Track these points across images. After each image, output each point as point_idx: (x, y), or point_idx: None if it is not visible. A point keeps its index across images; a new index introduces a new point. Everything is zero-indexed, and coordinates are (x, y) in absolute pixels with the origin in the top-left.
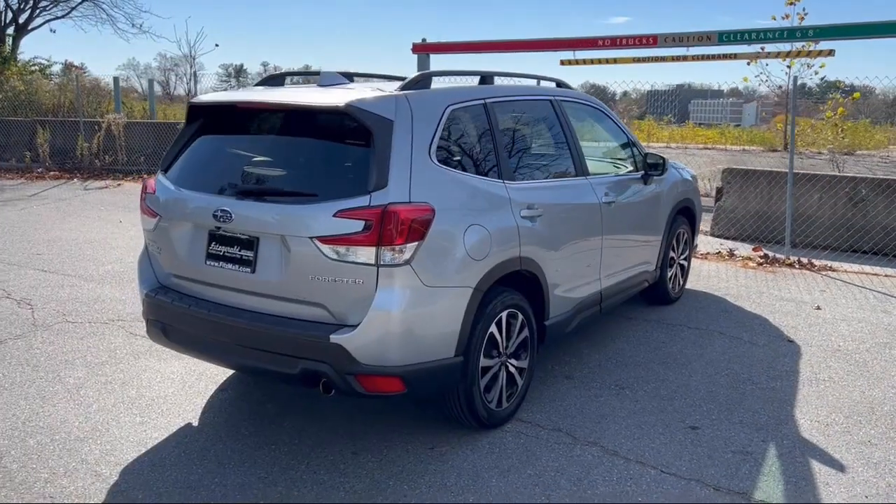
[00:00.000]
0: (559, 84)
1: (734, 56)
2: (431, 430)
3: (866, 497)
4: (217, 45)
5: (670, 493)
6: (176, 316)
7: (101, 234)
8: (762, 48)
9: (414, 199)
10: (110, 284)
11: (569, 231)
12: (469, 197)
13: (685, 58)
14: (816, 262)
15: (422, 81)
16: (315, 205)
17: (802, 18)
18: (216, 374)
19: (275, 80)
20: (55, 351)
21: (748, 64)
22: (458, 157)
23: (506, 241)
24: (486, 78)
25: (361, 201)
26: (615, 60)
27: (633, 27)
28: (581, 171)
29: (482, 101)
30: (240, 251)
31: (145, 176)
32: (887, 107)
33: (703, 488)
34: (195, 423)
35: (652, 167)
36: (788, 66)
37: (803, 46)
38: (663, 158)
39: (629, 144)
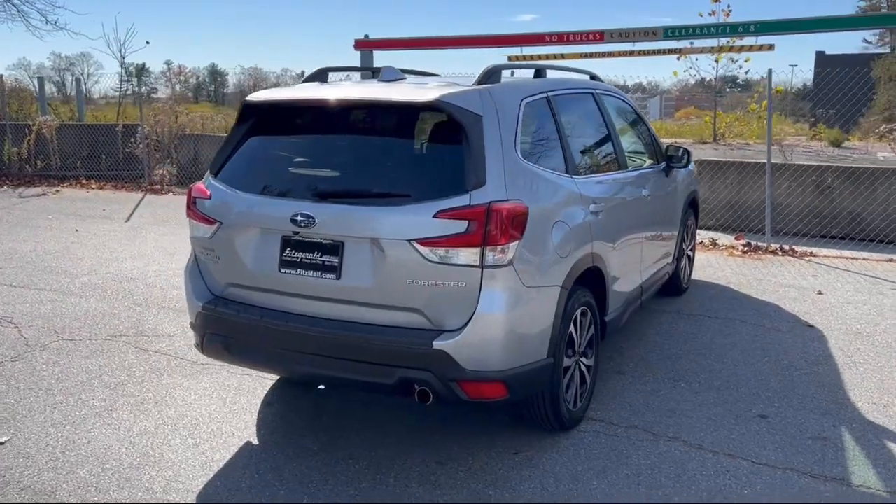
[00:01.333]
0: (593, 77)
1: (679, 51)
2: (505, 435)
3: None
4: (148, 43)
5: (771, 483)
6: (243, 329)
7: (59, 244)
8: (691, 43)
9: (510, 197)
10: (94, 298)
11: (623, 225)
12: (551, 193)
13: (631, 53)
14: (797, 248)
15: (494, 75)
16: (412, 205)
17: (728, 15)
18: (254, 388)
19: (321, 76)
20: (63, 372)
21: (677, 59)
22: (536, 152)
23: (583, 237)
24: (540, 71)
25: (461, 200)
26: (563, 56)
27: (540, 24)
28: (623, 164)
29: (546, 95)
30: (321, 257)
31: (84, 181)
32: (793, 100)
33: (801, 477)
34: (254, 441)
35: (673, 159)
36: (716, 61)
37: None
38: (687, 150)
39: (650, 136)
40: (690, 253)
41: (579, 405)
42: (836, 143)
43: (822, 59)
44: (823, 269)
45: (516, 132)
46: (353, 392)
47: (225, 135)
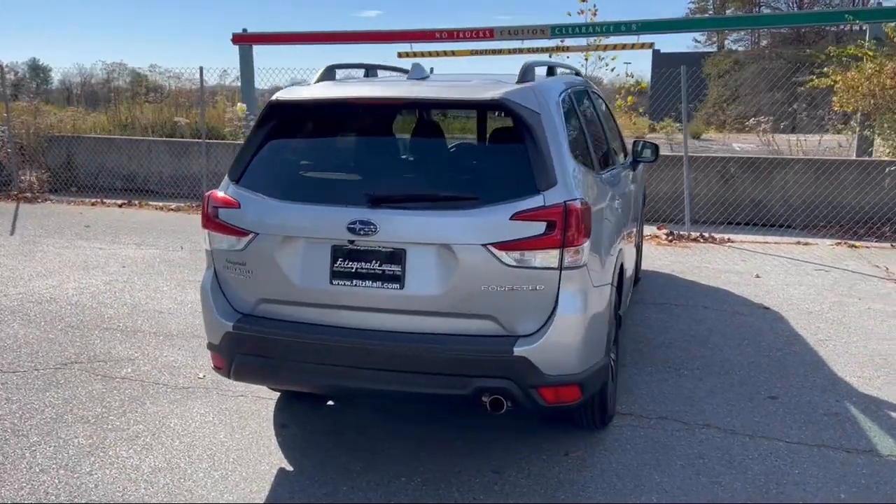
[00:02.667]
0: (577, 73)
1: (567, 49)
2: (544, 437)
3: None
4: None
5: (813, 461)
6: (289, 348)
7: None
8: (562, 41)
9: (577, 196)
10: (17, 323)
11: (621, 220)
12: (594, 190)
13: (520, 50)
14: (715, 235)
15: (529, 73)
16: (485, 208)
17: (595, 14)
18: (257, 410)
19: (330, 73)
20: (24, 410)
21: (549, 56)
22: (574, 149)
23: (616, 233)
24: (552, 69)
25: (536, 201)
26: (454, 53)
27: (384, 21)
28: (614, 159)
29: (568, 92)
30: (381, 266)
31: None
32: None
33: (836, 452)
34: (287, 466)
35: (641, 154)
36: (585, 59)
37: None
38: (656, 146)
39: (619, 131)
40: (639, 243)
41: (614, 401)
42: (696, 136)
43: (658, 57)
44: (747, 254)
45: (563, 129)
46: (365, 405)
47: (108, 136)
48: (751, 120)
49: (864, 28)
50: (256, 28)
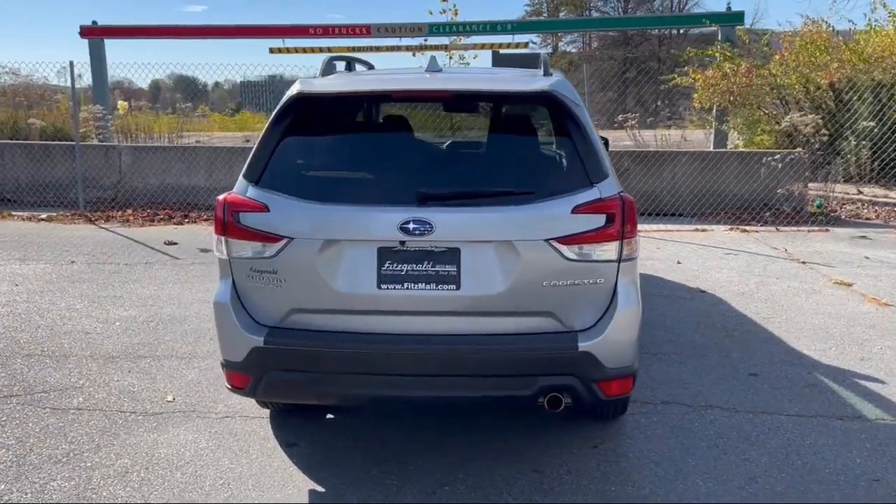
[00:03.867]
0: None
1: (445, 48)
2: (566, 431)
3: None
4: None
5: (818, 430)
6: (334, 359)
7: None
8: (425, 40)
9: (622, 189)
10: None
11: None
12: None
13: (398, 48)
14: None
15: (544, 65)
16: (545, 202)
17: (456, 14)
18: (253, 430)
19: (331, 67)
20: None
21: (413, 55)
22: None
23: None
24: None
25: (592, 194)
26: (329, 49)
27: (209, 16)
28: None
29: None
30: (435, 266)
31: None
32: None
33: (832, 420)
34: (319, 488)
35: None
36: (449, 58)
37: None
38: (606, 140)
39: None
40: None
41: None
42: None
43: (497, 57)
44: (660, 242)
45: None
46: (368, 415)
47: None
48: (619, 116)
49: (684, 32)
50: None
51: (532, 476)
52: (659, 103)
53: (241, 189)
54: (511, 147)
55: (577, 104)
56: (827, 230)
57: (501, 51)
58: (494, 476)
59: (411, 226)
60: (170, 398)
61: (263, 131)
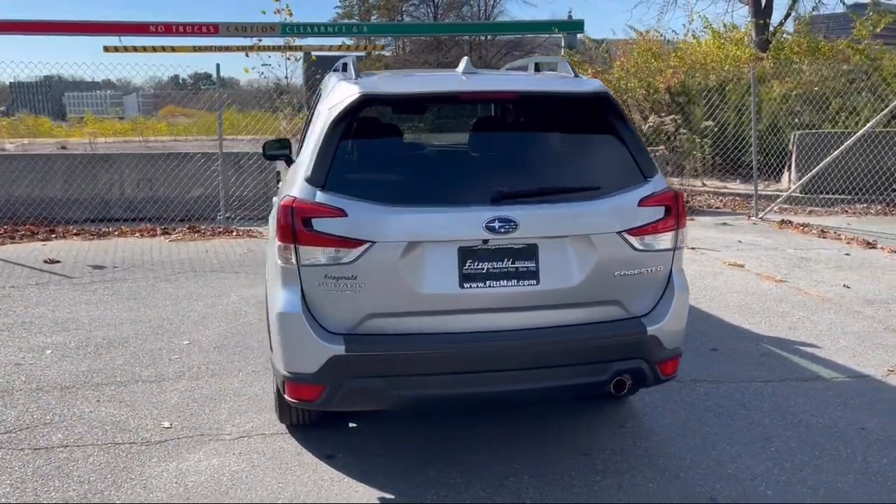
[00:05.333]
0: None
1: (300, 48)
2: (584, 413)
3: (862, 339)
4: None
5: (794, 392)
6: (418, 362)
7: None
8: (259, 40)
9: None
10: None
11: None
12: None
13: (250, 48)
14: (251, 228)
15: (562, 66)
16: (614, 196)
17: (290, 14)
18: (281, 448)
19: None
20: None
21: (246, 55)
22: None
23: None
24: (538, 66)
25: (650, 188)
26: (173, 49)
27: (9, 8)
28: None
29: None
30: (515, 263)
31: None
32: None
33: (800, 383)
34: (388, 496)
35: None
36: (287, 59)
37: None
38: None
39: None
40: None
41: None
42: None
43: (313, 60)
44: None
45: None
46: (389, 419)
47: None
48: None
49: (493, 38)
50: None
51: (584, 459)
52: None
53: (307, 194)
54: (569, 145)
55: (619, 104)
56: (693, 219)
57: (319, 53)
58: (549, 463)
59: (496, 224)
60: (166, 424)
61: (321, 134)
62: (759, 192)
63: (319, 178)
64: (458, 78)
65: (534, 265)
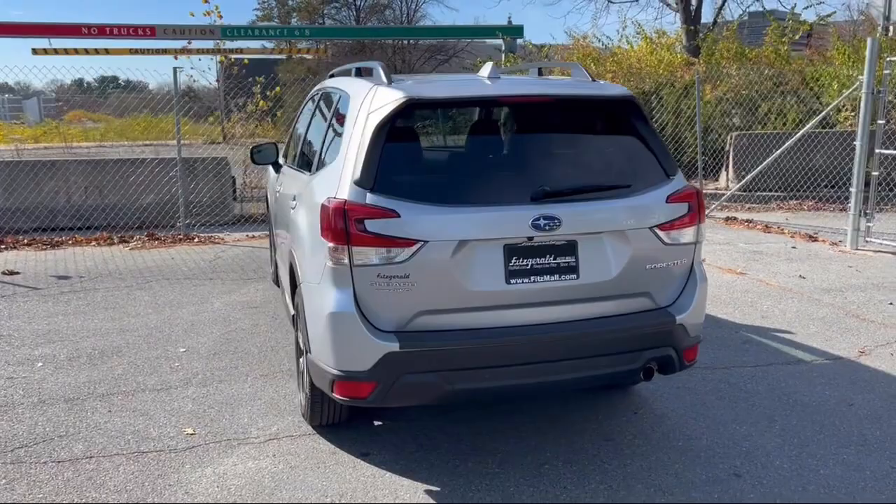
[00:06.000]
0: None
1: (240, 51)
2: (604, 402)
3: (828, 324)
4: None
5: (785, 373)
6: (469, 357)
7: None
8: (189, 43)
9: None
10: None
11: None
12: None
13: (189, 51)
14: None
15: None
16: (645, 194)
17: (220, 16)
18: (313, 447)
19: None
20: None
21: (175, 58)
22: None
23: None
24: (541, 70)
25: (674, 185)
26: (107, 51)
27: None
28: None
29: None
30: (556, 259)
31: None
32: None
33: (785, 366)
34: (433, 488)
35: None
36: (220, 62)
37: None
38: None
39: None
40: None
41: None
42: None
43: (230, 62)
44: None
45: None
46: (410, 414)
47: None
48: None
49: (415, 42)
50: None
51: (609, 444)
52: None
53: (357, 196)
54: (600, 145)
55: (640, 105)
56: None
57: (238, 56)
58: (579, 450)
59: (541, 222)
60: (189, 431)
61: (366, 137)
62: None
63: (368, 180)
64: (487, 82)
65: (574, 260)
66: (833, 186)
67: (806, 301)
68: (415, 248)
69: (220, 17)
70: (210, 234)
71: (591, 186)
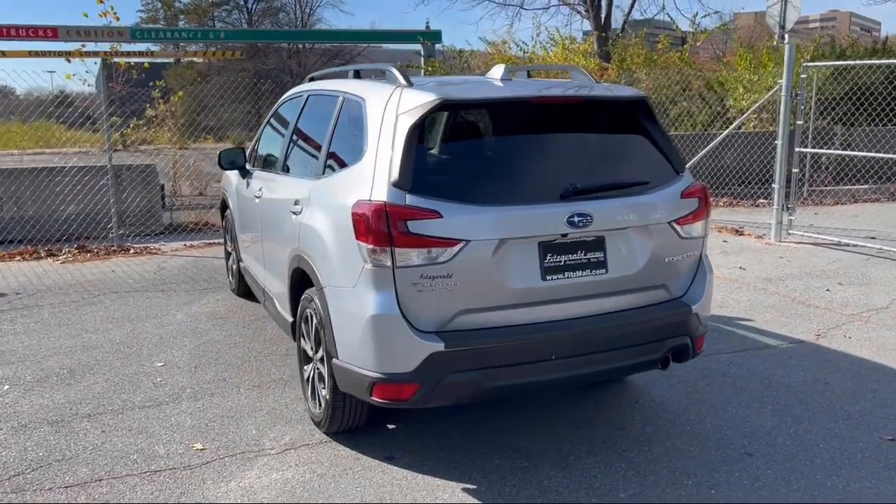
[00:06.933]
0: None
1: (151, 54)
2: (605, 394)
3: (780, 311)
4: None
5: (758, 359)
6: (510, 352)
7: None
8: (83, 45)
9: None
10: None
11: None
12: None
13: (97, 53)
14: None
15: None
16: (663, 190)
17: (117, 18)
18: (335, 454)
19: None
20: None
21: (67, 62)
22: None
23: None
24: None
25: (685, 182)
26: (3, 53)
27: None
28: None
29: None
30: (586, 254)
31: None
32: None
33: (757, 351)
34: (469, 485)
35: None
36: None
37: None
38: None
39: None
40: None
41: None
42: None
43: (110, 67)
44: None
45: None
46: (424, 416)
47: None
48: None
49: (311, 46)
50: None
51: (623, 433)
52: None
53: (396, 197)
54: (619, 144)
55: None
56: None
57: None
58: (598, 440)
59: (576, 219)
60: (198, 446)
61: (399, 139)
62: None
63: (406, 181)
64: (501, 84)
65: (602, 255)
66: (743, 184)
67: (753, 290)
68: (457, 247)
69: (118, 18)
70: (145, 245)
71: (617, 183)
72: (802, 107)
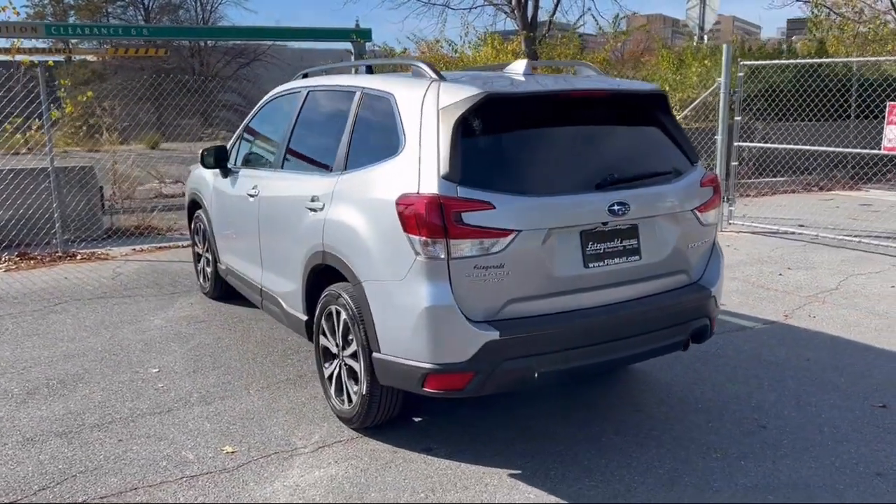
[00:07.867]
0: None
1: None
2: (612, 377)
3: (746, 295)
4: None
5: (742, 340)
6: (559, 339)
7: None
8: (14, 43)
9: None
10: None
11: None
12: None
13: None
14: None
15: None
16: (685, 179)
17: (17, 13)
18: (371, 449)
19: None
20: None
21: None
22: None
23: None
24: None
25: (699, 172)
26: None
27: None
28: None
29: None
30: (622, 242)
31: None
32: None
33: (737, 332)
34: (513, 470)
35: None
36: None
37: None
38: None
39: None
40: None
41: None
42: (154, 146)
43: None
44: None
45: None
46: (446, 407)
47: None
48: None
49: (214, 43)
50: None
51: (640, 415)
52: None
53: (448, 189)
54: (643, 135)
55: None
56: None
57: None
58: (622, 421)
59: (616, 207)
60: (229, 449)
61: (443, 132)
62: None
63: (456, 173)
64: (524, 78)
65: (636, 242)
66: None
67: None
68: (510, 238)
69: (17, 13)
70: (91, 251)
71: (649, 173)
72: (739, 103)
